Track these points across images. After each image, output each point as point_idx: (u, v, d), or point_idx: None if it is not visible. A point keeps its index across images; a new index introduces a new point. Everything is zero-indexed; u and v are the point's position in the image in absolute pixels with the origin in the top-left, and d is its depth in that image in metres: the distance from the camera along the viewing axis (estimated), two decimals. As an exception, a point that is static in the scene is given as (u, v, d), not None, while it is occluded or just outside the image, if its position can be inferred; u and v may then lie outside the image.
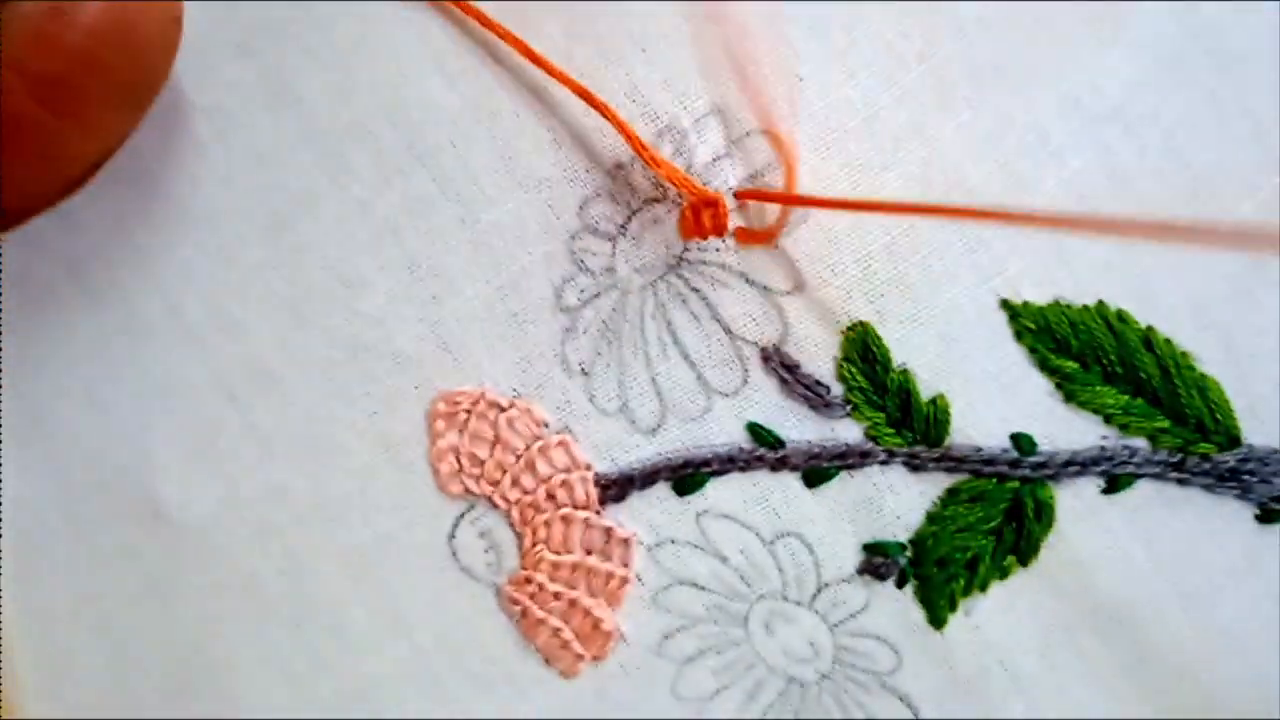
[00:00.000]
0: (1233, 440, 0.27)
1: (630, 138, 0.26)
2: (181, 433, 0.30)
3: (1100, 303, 0.27)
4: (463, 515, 0.29)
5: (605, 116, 0.26)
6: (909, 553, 0.28)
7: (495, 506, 0.28)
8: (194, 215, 0.29)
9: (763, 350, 0.27)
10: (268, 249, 0.28)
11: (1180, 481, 0.27)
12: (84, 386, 0.30)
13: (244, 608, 0.30)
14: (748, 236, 0.27)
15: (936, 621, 0.28)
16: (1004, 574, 0.28)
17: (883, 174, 0.27)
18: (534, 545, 0.28)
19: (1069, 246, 0.27)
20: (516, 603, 0.29)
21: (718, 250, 0.27)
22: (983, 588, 0.28)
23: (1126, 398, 0.27)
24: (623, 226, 0.27)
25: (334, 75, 0.28)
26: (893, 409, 0.27)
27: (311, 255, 0.28)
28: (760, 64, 0.26)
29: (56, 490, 0.30)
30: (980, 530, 0.28)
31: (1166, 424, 0.27)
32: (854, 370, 0.27)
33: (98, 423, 0.30)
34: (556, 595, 0.28)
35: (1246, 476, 0.27)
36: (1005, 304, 0.27)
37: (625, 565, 0.28)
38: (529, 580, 0.28)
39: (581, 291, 0.27)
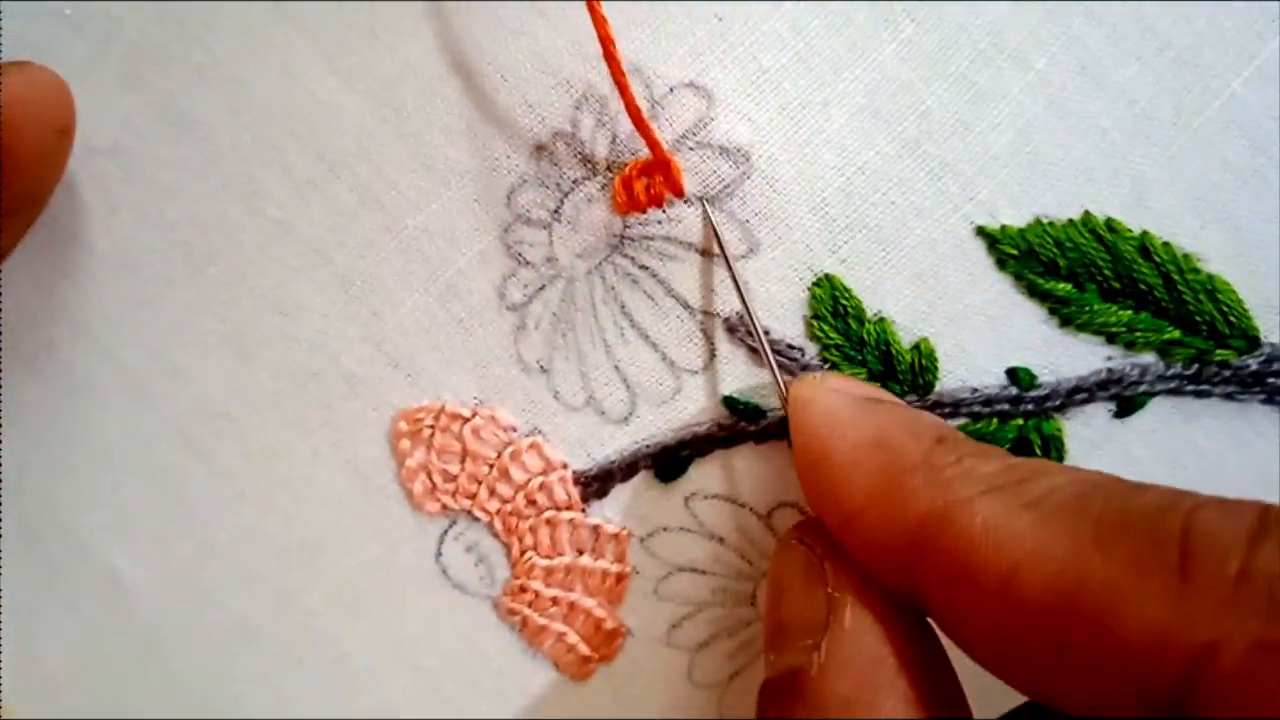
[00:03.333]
0: (1252, 342, 0.25)
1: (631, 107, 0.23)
2: (149, 486, 0.29)
3: (1086, 214, 0.25)
4: (445, 532, 0.28)
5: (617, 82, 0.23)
6: None
7: (476, 519, 0.28)
8: (111, 261, 0.28)
9: (726, 321, 0.26)
10: (194, 287, 0.27)
11: (1199, 394, 0.25)
12: (43, 454, 0.29)
13: (243, 653, 0.30)
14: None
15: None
16: (1019, 516, 0.26)
17: (826, 110, 0.24)
18: (523, 553, 0.28)
19: (1045, 156, 0.25)
20: (515, 613, 0.28)
21: (659, 223, 0.25)
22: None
23: (1129, 313, 0.25)
24: (556, 212, 0.25)
25: (226, 92, 0.26)
26: (873, 361, 0.26)
27: (240, 287, 0.27)
28: (672, 10, 0.24)
29: (34, 562, 0.30)
30: (987, 474, 0.26)
31: (1177, 334, 0.25)
32: (826, 327, 0.25)
33: (65, 489, 0.29)
34: (554, 600, 0.28)
35: (1272, 378, 0.25)
36: (981, 231, 0.25)
37: (620, 561, 0.27)
38: (524, 589, 0.28)
39: (525, 286, 0.26)
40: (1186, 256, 0.25)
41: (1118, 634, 0.18)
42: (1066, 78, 0.24)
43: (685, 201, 0.25)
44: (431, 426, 0.27)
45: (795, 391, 0.23)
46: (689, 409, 0.26)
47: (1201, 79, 0.24)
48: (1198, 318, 0.25)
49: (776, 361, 0.26)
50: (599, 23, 0.22)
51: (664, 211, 0.25)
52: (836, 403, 0.23)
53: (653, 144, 0.24)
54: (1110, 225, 0.25)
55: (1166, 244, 0.25)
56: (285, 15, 0.25)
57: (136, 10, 0.26)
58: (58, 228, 0.28)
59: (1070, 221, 0.25)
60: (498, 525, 0.28)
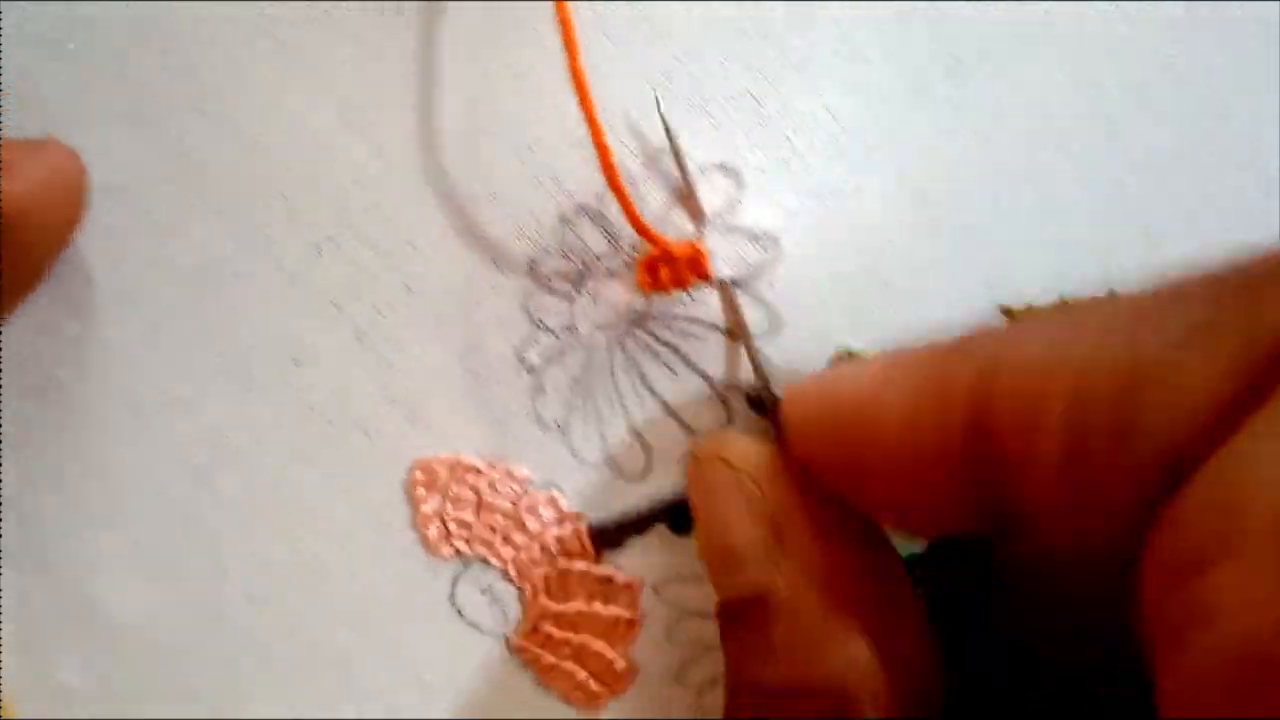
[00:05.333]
0: None
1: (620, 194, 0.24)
2: (157, 514, 0.30)
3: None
4: (459, 575, 0.29)
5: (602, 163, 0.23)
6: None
7: (490, 564, 0.29)
8: (117, 297, 0.28)
9: (747, 394, 0.26)
10: (208, 328, 0.28)
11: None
12: (51, 478, 0.30)
13: (258, 669, 0.31)
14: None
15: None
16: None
17: (859, 194, 0.25)
18: (536, 598, 0.29)
19: (1073, 236, 0.25)
20: (527, 652, 0.29)
21: (683, 304, 0.25)
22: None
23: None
24: (577, 283, 0.26)
25: (233, 139, 0.26)
26: (892, 435, 0.26)
27: (246, 328, 0.28)
28: (706, 88, 0.24)
29: (50, 582, 0.31)
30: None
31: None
32: (846, 401, 0.26)
33: (73, 512, 0.30)
34: (566, 642, 0.29)
35: None
36: (1008, 312, 0.26)
37: (632, 608, 0.29)
38: (536, 630, 0.29)
39: (545, 351, 0.27)
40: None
41: (1183, 399, 0.17)
42: (1107, 159, 0.25)
43: (710, 284, 0.25)
44: (447, 476, 0.28)
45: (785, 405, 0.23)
46: (706, 470, 0.27)
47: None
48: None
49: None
50: (594, 130, 0.22)
51: (688, 294, 0.25)
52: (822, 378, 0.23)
53: (657, 242, 0.24)
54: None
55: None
56: (302, 71, 0.25)
57: (140, 48, 0.26)
58: (65, 264, 0.28)
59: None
60: (511, 572, 0.29)
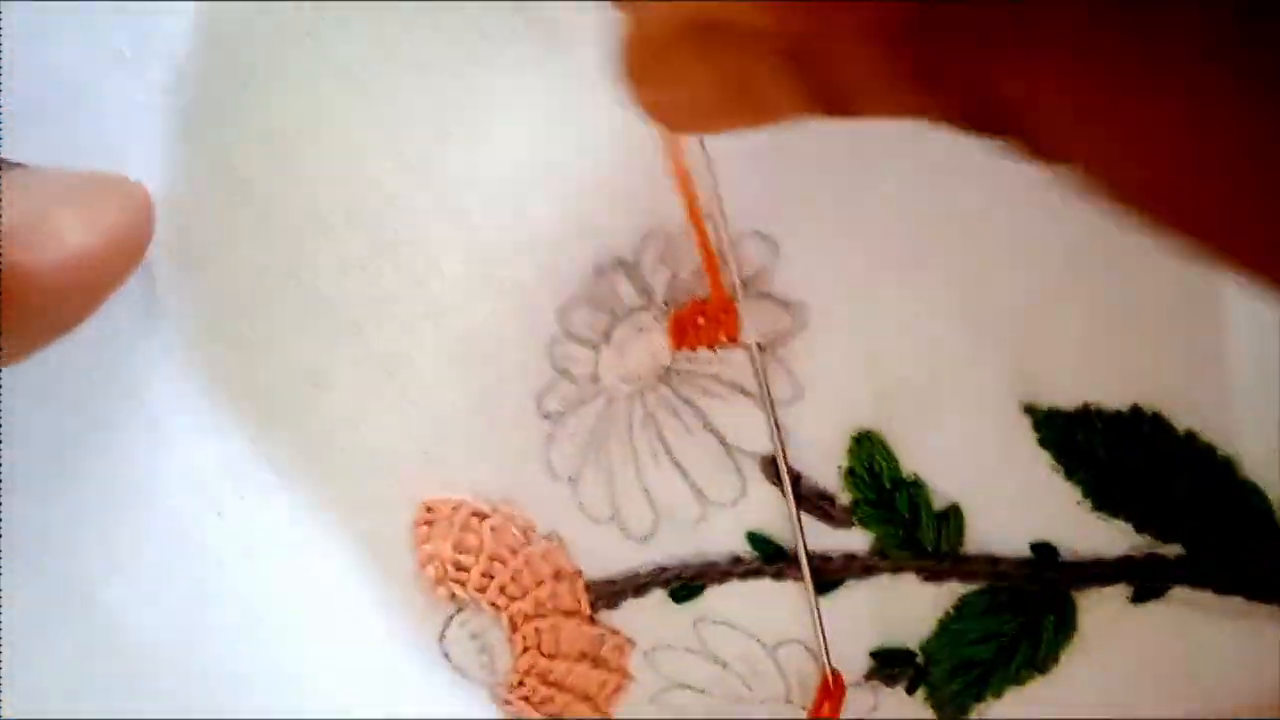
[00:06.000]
0: (1277, 548, 0.26)
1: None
2: (155, 531, 0.30)
3: (1134, 407, 0.26)
4: (452, 617, 0.29)
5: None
6: (920, 659, 0.27)
7: (483, 611, 0.28)
8: (148, 307, 0.28)
9: (762, 461, 0.26)
10: (228, 343, 0.28)
11: (1219, 590, 0.26)
12: (50, 486, 0.30)
13: (234, 698, 0.31)
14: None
15: (948, 729, 0.28)
16: (1020, 681, 0.27)
17: (898, 274, 0.25)
18: (525, 650, 0.28)
19: (1101, 344, 0.25)
20: (510, 704, 0.29)
21: (708, 362, 0.26)
22: (997, 695, 0.28)
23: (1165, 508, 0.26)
24: (605, 334, 0.26)
25: (283, 160, 0.27)
26: (902, 520, 0.26)
27: (274, 353, 0.28)
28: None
29: (32, 589, 0.30)
30: (996, 639, 0.27)
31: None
32: (860, 481, 0.26)
33: (66, 523, 0.30)
34: (551, 699, 0.29)
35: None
36: (1029, 409, 0.26)
37: (620, 670, 0.28)
38: (522, 684, 0.29)
39: (564, 399, 0.27)
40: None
41: None
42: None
43: (738, 345, 0.25)
44: (450, 519, 0.28)
45: None
46: (711, 538, 0.27)
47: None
48: (1227, 523, 0.26)
49: (806, 507, 0.26)
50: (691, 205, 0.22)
51: (714, 352, 0.26)
52: None
53: (718, 292, 0.24)
54: (1156, 421, 0.26)
55: (1210, 445, 0.26)
56: (358, 97, 0.26)
57: (200, 63, 0.26)
58: None
59: (1118, 413, 0.26)
60: (504, 621, 0.28)
